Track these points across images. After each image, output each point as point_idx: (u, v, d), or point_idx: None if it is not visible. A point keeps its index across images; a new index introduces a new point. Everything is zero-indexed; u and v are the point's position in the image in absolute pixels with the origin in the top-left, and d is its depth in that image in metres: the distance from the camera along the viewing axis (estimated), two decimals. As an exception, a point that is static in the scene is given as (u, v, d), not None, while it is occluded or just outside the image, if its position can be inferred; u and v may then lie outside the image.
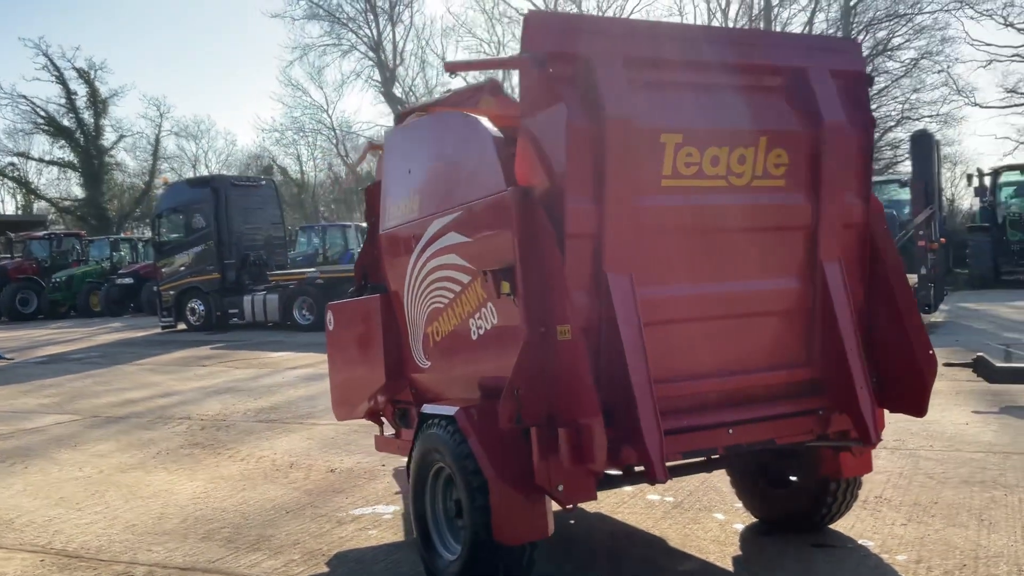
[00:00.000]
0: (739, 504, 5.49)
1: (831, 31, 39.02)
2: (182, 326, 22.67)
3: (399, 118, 6.14)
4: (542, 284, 3.81)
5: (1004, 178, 24.75)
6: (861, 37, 38.42)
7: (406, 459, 6.75)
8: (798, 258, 4.38)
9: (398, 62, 50.96)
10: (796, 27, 39.54)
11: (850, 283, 4.41)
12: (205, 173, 54.98)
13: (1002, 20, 39.69)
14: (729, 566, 4.65)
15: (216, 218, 21.66)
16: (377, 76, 51.14)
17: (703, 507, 5.63)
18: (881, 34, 40.54)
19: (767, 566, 4.59)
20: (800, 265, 4.39)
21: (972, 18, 44.57)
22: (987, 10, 38.87)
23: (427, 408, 4.49)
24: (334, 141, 57.88)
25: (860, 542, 4.86)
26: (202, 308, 22.03)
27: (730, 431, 4.17)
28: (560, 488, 3.83)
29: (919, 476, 6.08)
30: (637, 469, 3.90)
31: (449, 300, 4.54)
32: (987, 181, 24.52)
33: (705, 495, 5.83)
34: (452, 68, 4.42)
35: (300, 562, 5.01)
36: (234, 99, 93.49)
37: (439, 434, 4.27)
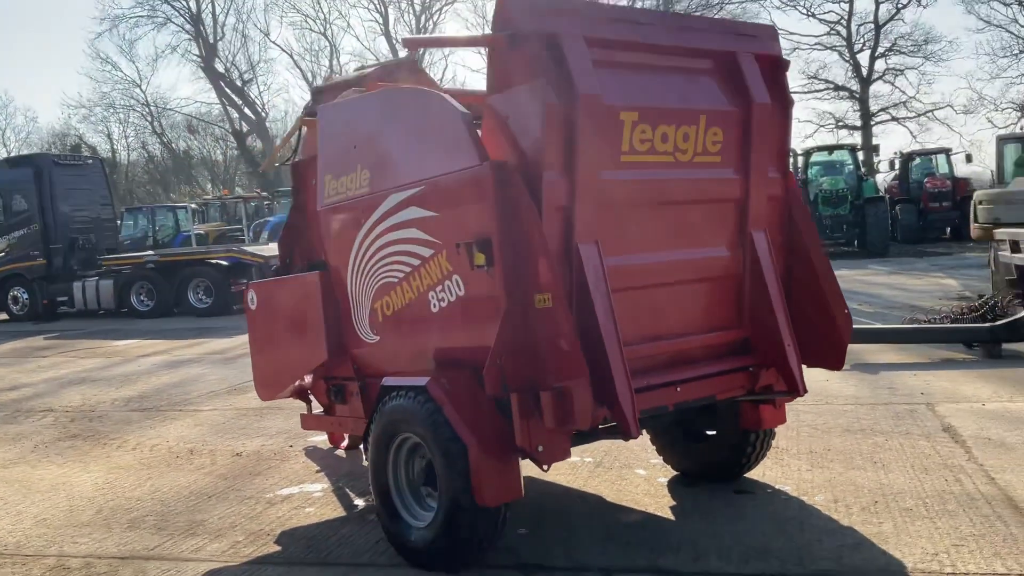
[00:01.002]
0: (656, 460, 5.87)
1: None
2: (3, 316, 21.10)
3: (317, 93, 6.12)
4: (519, 255, 3.98)
5: (814, 158, 26.81)
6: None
7: (328, 436, 6.84)
8: (731, 228, 4.76)
9: (219, 36, 48.95)
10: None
11: (773, 251, 4.83)
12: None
13: (805, 10, 42.71)
14: (670, 515, 5.00)
15: (39, 200, 20.22)
16: (196, 50, 48.95)
17: (624, 464, 5.97)
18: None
19: (703, 513, 4.97)
20: (732, 235, 4.76)
21: (778, 7, 47.68)
22: (791, 1, 41.68)
23: (389, 380, 4.56)
24: (148, 118, 55.03)
25: (777, 487, 5.34)
26: (26, 296, 20.57)
27: (678, 389, 4.49)
28: (540, 449, 4.03)
29: (805, 428, 6.68)
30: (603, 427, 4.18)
31: (405, 274, 4.62)
32: (799, 162, 26.51)
33: (621, 454, 6.18)
34: (411, 45, 4.48)
35: (246, 543, 4.96)
36: (35, 73, 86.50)
37: (407, 405, 4.36)
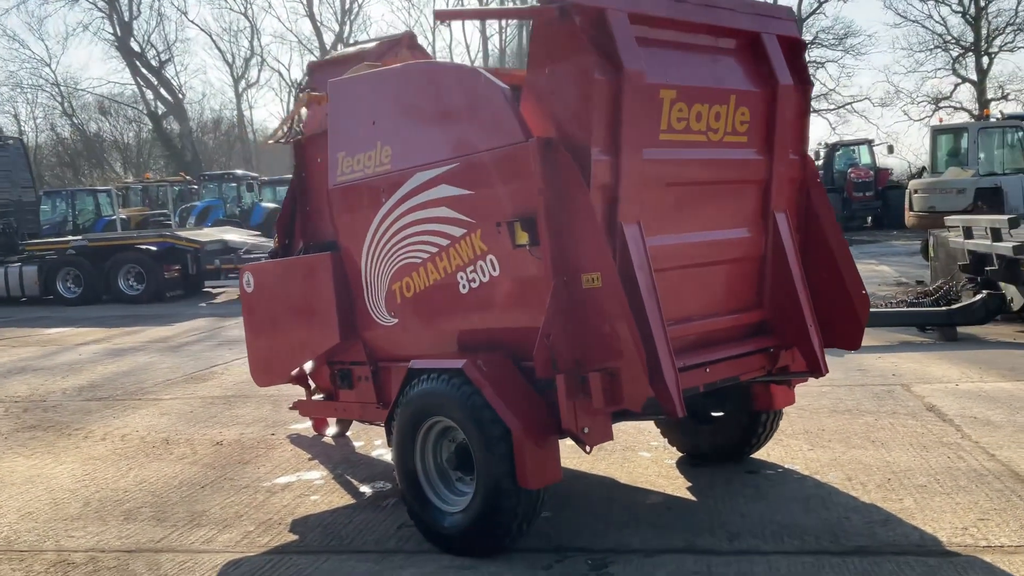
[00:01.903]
0: (656, 442, 5.88)
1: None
2: (-83, 304, 20.00)
3: (312, 70, 5.93)
4: (567, 234, 3.91)
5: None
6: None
7: (312, 424, 6.65)
8: (755, 209, 4.77)
9: (135, 14, 47.27)
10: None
11: (793, 232, 4.86)
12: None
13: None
14: (690, 496, 5.00)
15: (-44, 182, 19.24)
16: (109, 28, 47.20)
17: (626, 447, 5.96)
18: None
19: (724, 493, 4.99)
20: (756, 216, 4.77)
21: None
22: None
23: (418, 363, 4.43)
24: (58, 99, 52.92)
25: (786, 467, 5.40)
26: (-59, 283, 19.51)
27: (707, 370, 4.49)
28: (586, 430, 3.97)
29: (793, 409, 6.76)
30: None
31: (430, 255, 4.49)
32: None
33: (620, 437, 6.16)
34: (442, 17, 4.36)
35: (259, 533, 4.79)
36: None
37: (440, 388, 4.25)
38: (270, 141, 6.25)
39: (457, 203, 4.31)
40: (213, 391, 8.92)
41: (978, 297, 9.48)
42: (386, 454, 6.17)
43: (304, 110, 5.60)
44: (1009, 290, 9.42)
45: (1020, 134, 17.73)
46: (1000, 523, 4.29)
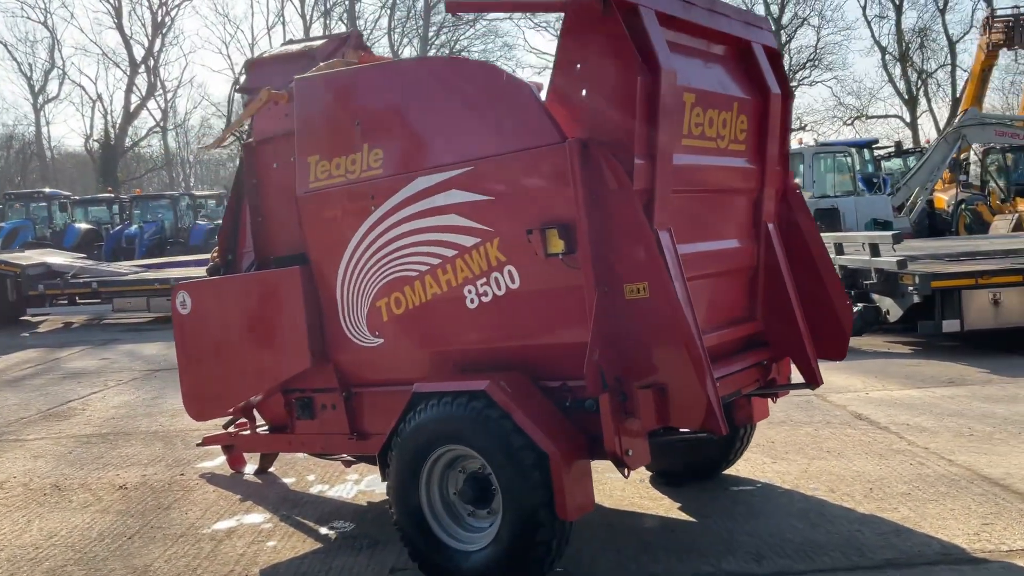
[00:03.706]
0: (617, 464, 5.67)
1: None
2: None
3: (251, 67, 5.39)
4: (609, 241, 3.65)
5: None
6: (433, 39, 40.91)
7: (228, 461, 6.00)
8: (749, 219, 4.68)
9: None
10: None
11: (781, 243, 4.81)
12: None
13: (555, 32, 44.53)
14: (687, 517, 4.81)
15: None
16: None
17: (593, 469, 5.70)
18: (443, 37, 43.41)
19: (720, 512, 4.82)
20: (751, 226, 4.69)
21: (532, 28, 49.39)
22: (543, 22, 43.40)
23: (425, 387, 4.01)
24: None
25: (763, 481, 5.32)
26: None
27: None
28: (630, 452, 3.70)
29: (730, 423, 6.77)
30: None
31: (432, 266, 4.10)
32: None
33: (575, 460, 5.91)
34: (454, 9, 3.99)
35: (227, 588, 4.19)
36: None
37: (456, 413, 3.86)
38: (208, 148, 5.60)
39: (470, 210, 3.95)
40: (83, 429, 7.96)
41: (855, 310, 9.93)
42: (328, 491, 5.65)
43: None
44: (885, 302, 9.92)
45: (849, 159, 19.01)
46: (1006, 527, 4.36)
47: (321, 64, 4.69)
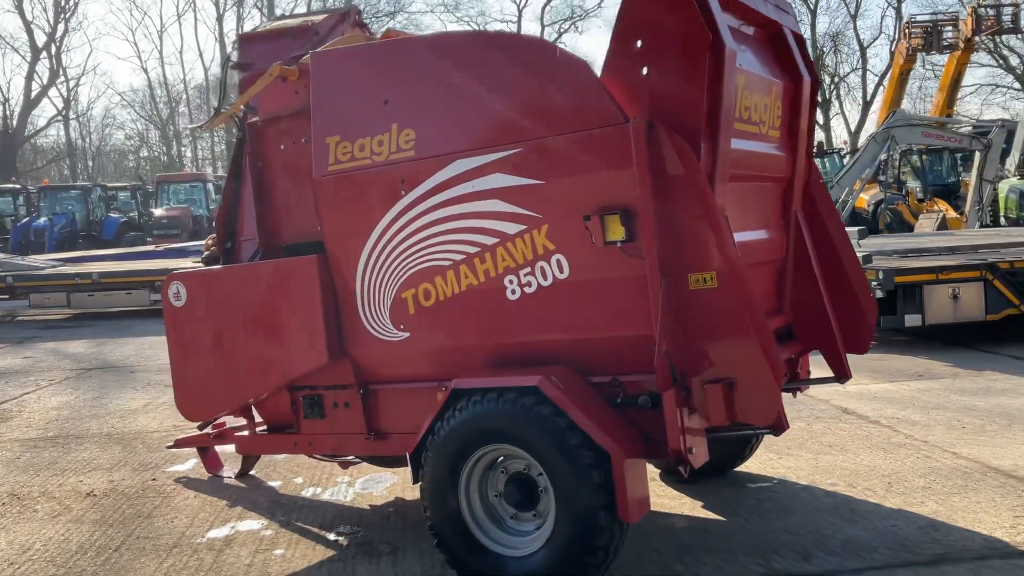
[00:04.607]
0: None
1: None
2: None
3: (243, 41, 5.04)
4: (677, 229, 3.46)
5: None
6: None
7: (204, 463, 5.61)
8: (780, 208, 4.56)
9: None
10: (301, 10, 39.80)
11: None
12: None
13: (477, 26, 44.37)
14: (717, 516, 4.66)
15: None
16: None
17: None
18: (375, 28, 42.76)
19: (749, 511, 4.68)
20: (781, 215, 4.57)
21: (453, 22, 48.87)
22: (464, 16, 43.10)
23: (466, 382, 3.75)
24: None
25: (778, 477, 5.22)
26: None
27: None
28: (693, 450, 3.52)
29: (720, 418, 6.67)
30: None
31: (468, 255, 3.85)
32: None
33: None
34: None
35: (244, 603, 3.85)
36: None
37: (503, 410, 3.61)
38: (204, 128, 5.20)
39: (516, 195, 3.71)
40: (26, 432, 7.41)
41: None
42: (322, 494, 5.33)
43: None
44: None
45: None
46: (1037, 519, 4.35)
47: (349, 36, 4.36)
